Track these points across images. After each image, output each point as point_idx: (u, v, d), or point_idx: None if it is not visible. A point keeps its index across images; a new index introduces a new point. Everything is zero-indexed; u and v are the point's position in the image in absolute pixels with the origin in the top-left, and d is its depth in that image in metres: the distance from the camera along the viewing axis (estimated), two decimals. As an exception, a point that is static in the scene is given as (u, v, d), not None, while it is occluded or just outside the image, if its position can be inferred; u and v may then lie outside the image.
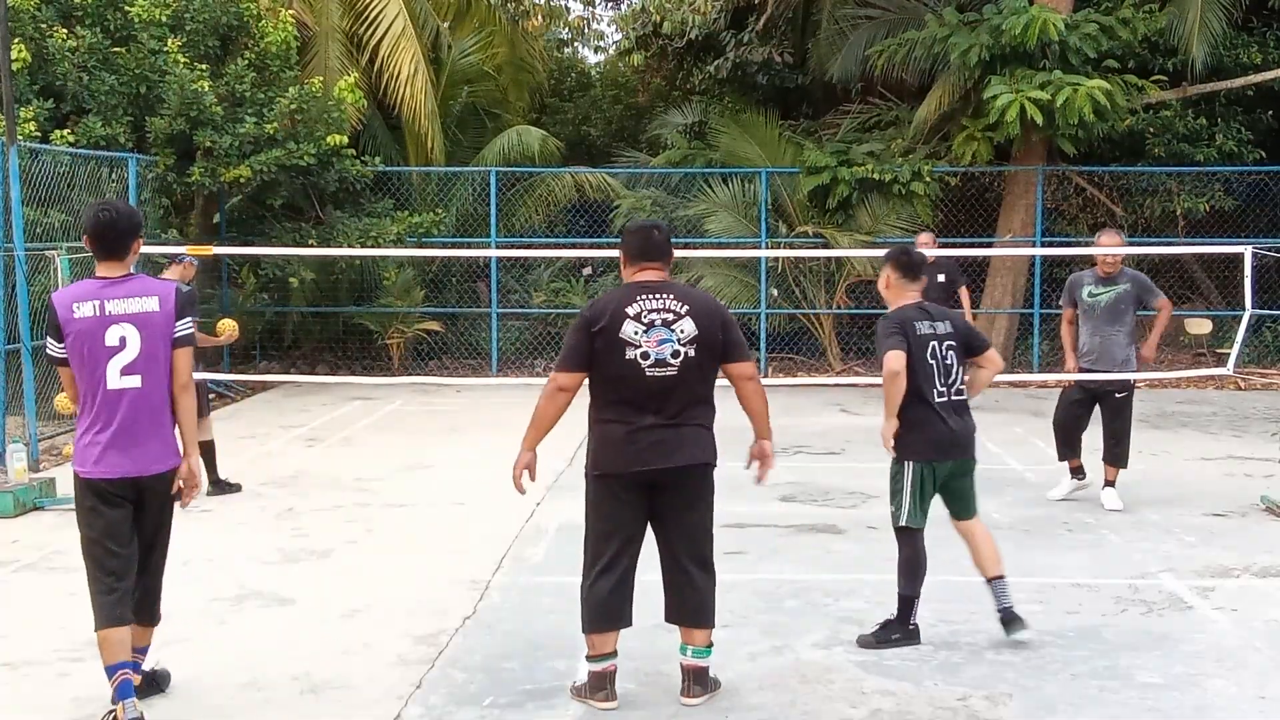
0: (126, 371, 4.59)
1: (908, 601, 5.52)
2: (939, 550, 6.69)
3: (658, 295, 4.82)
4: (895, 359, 5.44)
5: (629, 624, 4.92)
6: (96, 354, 4.58)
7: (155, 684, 5.01)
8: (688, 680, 4.91)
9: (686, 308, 4.81)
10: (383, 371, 15.49)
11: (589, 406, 4.91)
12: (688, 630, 4.92)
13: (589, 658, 4.90)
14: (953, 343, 5.57)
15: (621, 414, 4.79)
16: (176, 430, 4.77)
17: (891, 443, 5.53)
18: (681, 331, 4.76)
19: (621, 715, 4.80)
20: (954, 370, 5.56)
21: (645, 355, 4.74)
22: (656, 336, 4.74)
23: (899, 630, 5.51)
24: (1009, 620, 5.55)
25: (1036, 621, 5.72)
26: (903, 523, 5.55)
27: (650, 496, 4.85)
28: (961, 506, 5.67)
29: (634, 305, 4.78)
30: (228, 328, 9.16)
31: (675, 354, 4.75)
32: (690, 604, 4.90)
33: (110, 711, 4.62)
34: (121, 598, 4.63)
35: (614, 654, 4.88)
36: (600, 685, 4.85)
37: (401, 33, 16.00)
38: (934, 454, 5.50)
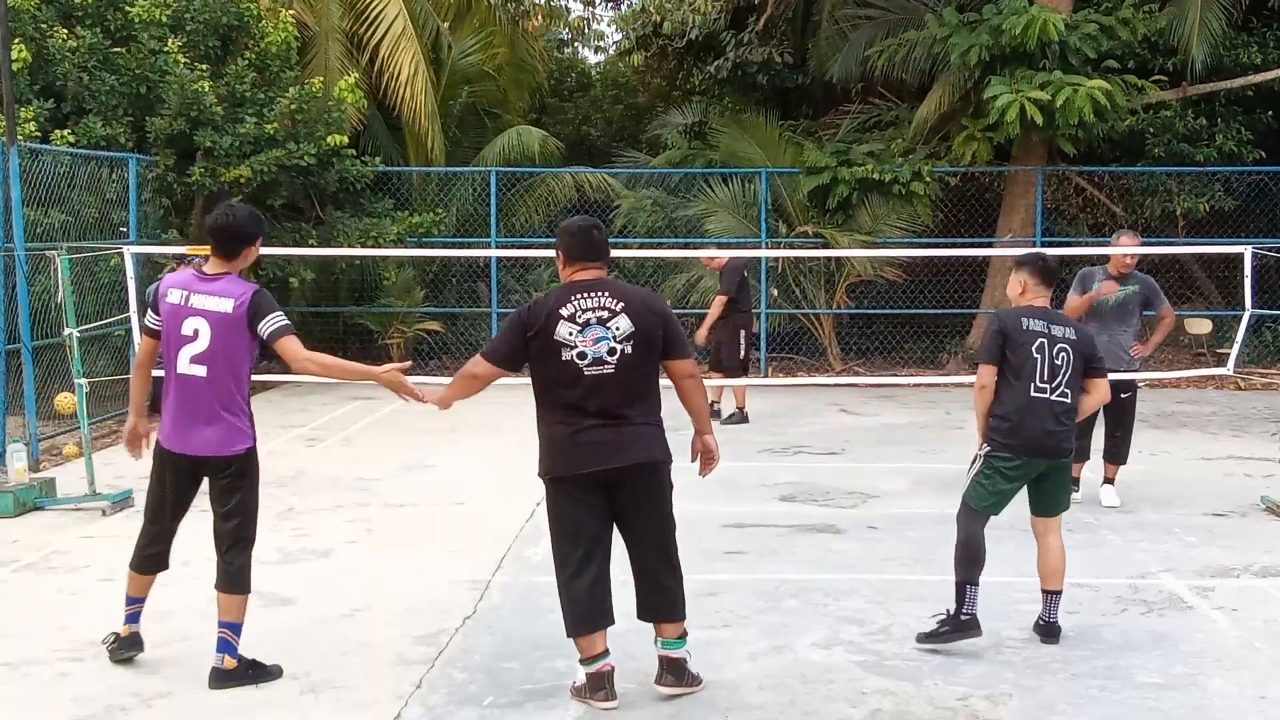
0: (195, 360, 5.03)
1: (959, 589, 5.43)
2: (941, 548, 6.70)
3: (592, 294, 4.79)
4: (983, 373, 5.49)
5: (612, 622, 4.91)
6: (173, 339, 5.06)
7: (254, 673, 5.13)
8: (661, 669, 4.93)
9: (622, 304, 4.78)
10: (383, 371, 15.45)
11: (536, 410, 4.90)
12: (658, 624, 4.93)
13: (582, 661, 4.89)
14: (1068, 349, 5.47)
15: (564, 416, 4.78)
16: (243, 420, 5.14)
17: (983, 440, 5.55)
18: (617, 329, 4.74)
19: (621, 715, 4.80)
20: (1063, 372, 5.45)
21: (582, 355, 4.72)
22: (592, 335, 4.72)
23: (950, 623, 5.43)
24: (1045, 632, 5.59)
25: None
26: (964, 497, 5.54)
27: (607, 496, 4.84)
28: (1043, 503, 5.62)
29: (568, 306, 4.76)
30: None
31: (612, 351, 4.73)
32: (655, 600, 4.91)
33: (114, 633, 5.34)
34: (151, 551, 5.26)
35: (606, 653, 4.87)
36: (599, 685, 4.85)
37: (402, 33, 16.00)
38: (1018, 450, 5.44)
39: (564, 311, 4.75)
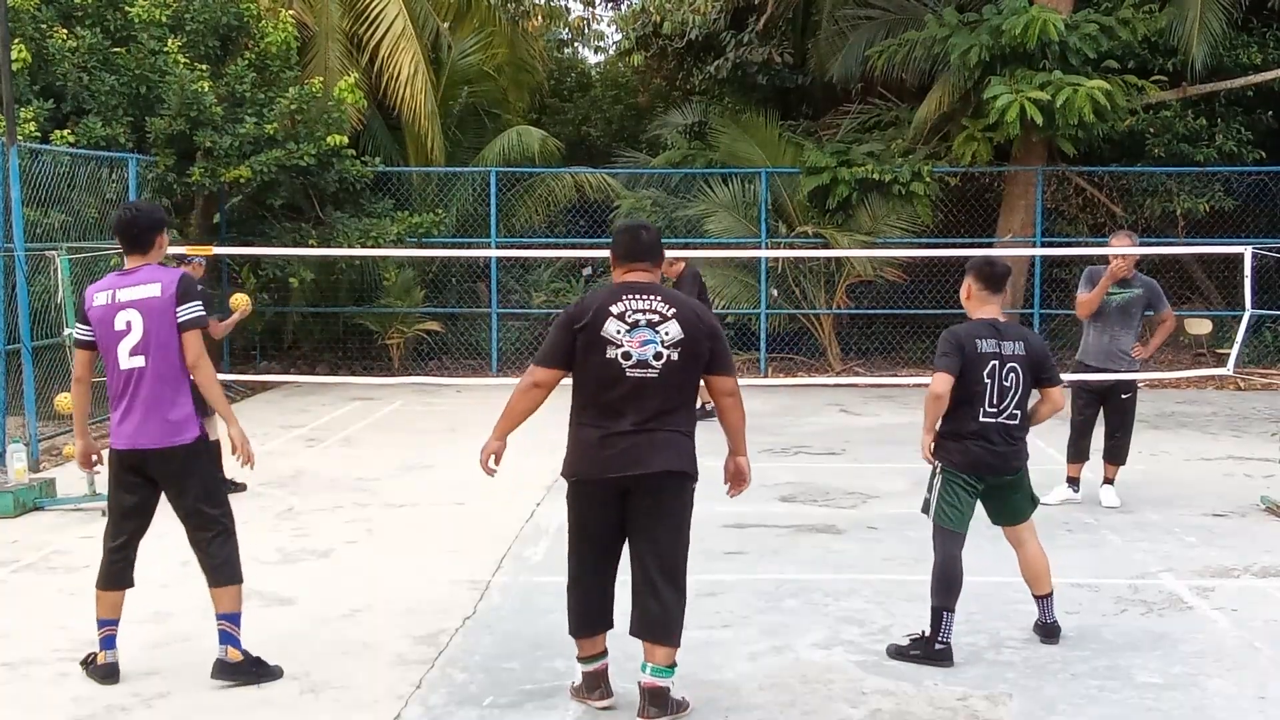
0: (134, 353, 5.02)
1: (935, 615, 5.37)
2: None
3: (644, 296, 4.70)
4: (940, 381, 5.39)
5: (611, 626, 4.88)
6: (109, 337, 5.05)
7: (257, 670, 5.12)
8: (644, 700, 4.68)
9: (673, 310, 4.68)
10: (383, 372, 15.49)
11: (570, 408, 4.81)
12: (649, 647, 4.70)
13: (579, 659, 4.89)
14: (1017, 367, 5.43)
15: (598, 418, 4.68)
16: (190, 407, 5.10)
17: (929, 453, 5.54)
18: (666, 334, 4.65)
19: (621, 715, 4.80)
20: (1011, 393, 5.43)
21: (627, 355, 4.62)
22: (640, 337, 4.63)
23: (921, 647, 5.37)
24: (1044, 632, 5.63)
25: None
26: (930, 516, 5.53)
27: (625, 504, 4.72)
28: (1004, 515, 5.64)
29: (619, 304, 4.67)
30: (241, 303, 9.22)
31: (658, 355, 4.63)
32: (652, 619, 4.70)
33: (92, 654, 5.20)
34: (117, 565, 5.17)
35: (604, 653, 4.87)
36: (595, 684, 4.85)
37: (401, 33, 16.00)
38: (967, 469, 5.45)
39: (614, 309, 4.66)
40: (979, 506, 5.61)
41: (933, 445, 5.54)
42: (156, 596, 6.18)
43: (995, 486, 5.53)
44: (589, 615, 4.83)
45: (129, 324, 5.00)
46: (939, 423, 5.53)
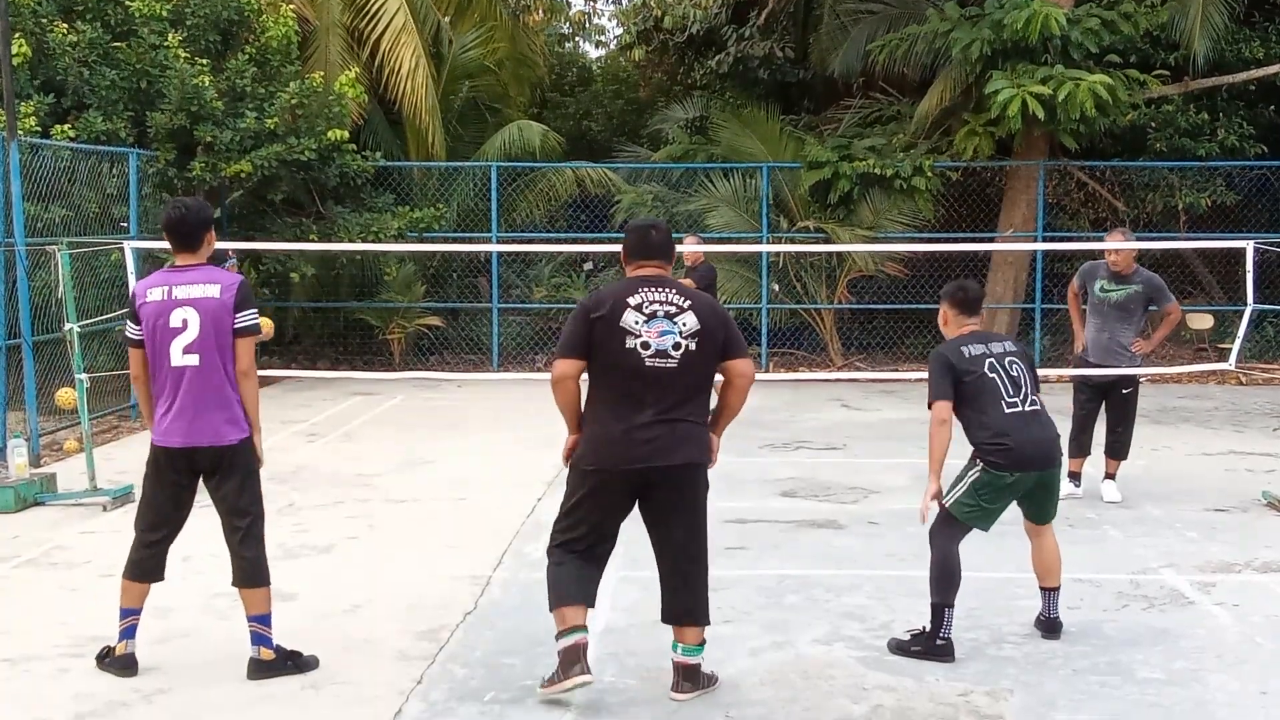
0: (187, 351, 5.02)
1: (936, 611, 5.35)
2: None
3: (660, 289, 4.80)
4: (941, 409, 5.31)
5: (592, 604, 4.90)
6: (162, 334, 5.02)
7: (294, 663, 5.20)
8: (677, 676, 4.89)
9: (689, 302, 4.79)
10: (384, 367, 15.48)
11: (585, 400, 4.85)
12: (679, 629, 4.88)
13: (559, 633, 4.77)
14: (1016, 359, 5.43)
15: (618, 410, 4.72)
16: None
17: (928, 512, 5.36)
18: (684, 324, 4.73)
19: (622, 711, 4.80)
20: (1023, 381, 5.40)
21: (645, 345, 4.69)
22: (658, 327, 4.71)
23: (922, 643, 5.36)
24: (1046, 627, 5.62)
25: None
26: (947, 503, 5.39)
27: (641, 495, 4.79)
28: (1036, 512, 5.58)
29: (636, 295, 4.76)
30: (265, 326, 9.19)
31: (676, 346, 4.71)
32: (683, 604, 4.87)
33: (107, 647, 5.22)
34: (148, 558, 5.18)
35: (583, 627, 4.76)
36: (574, 659, 4.70)
37: (402, 27, 15.99)
38: (1011, 466, 5.32)
39: (631, 300, 4.73)
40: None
41: (971, 457, 5.41)
42: (157, 592, 6.14)
43: (1040, 484, 5.44)
44: (578, 581, 4.82)
45: (185, 321, 4.99)
46: (949, 447, 5.35)
